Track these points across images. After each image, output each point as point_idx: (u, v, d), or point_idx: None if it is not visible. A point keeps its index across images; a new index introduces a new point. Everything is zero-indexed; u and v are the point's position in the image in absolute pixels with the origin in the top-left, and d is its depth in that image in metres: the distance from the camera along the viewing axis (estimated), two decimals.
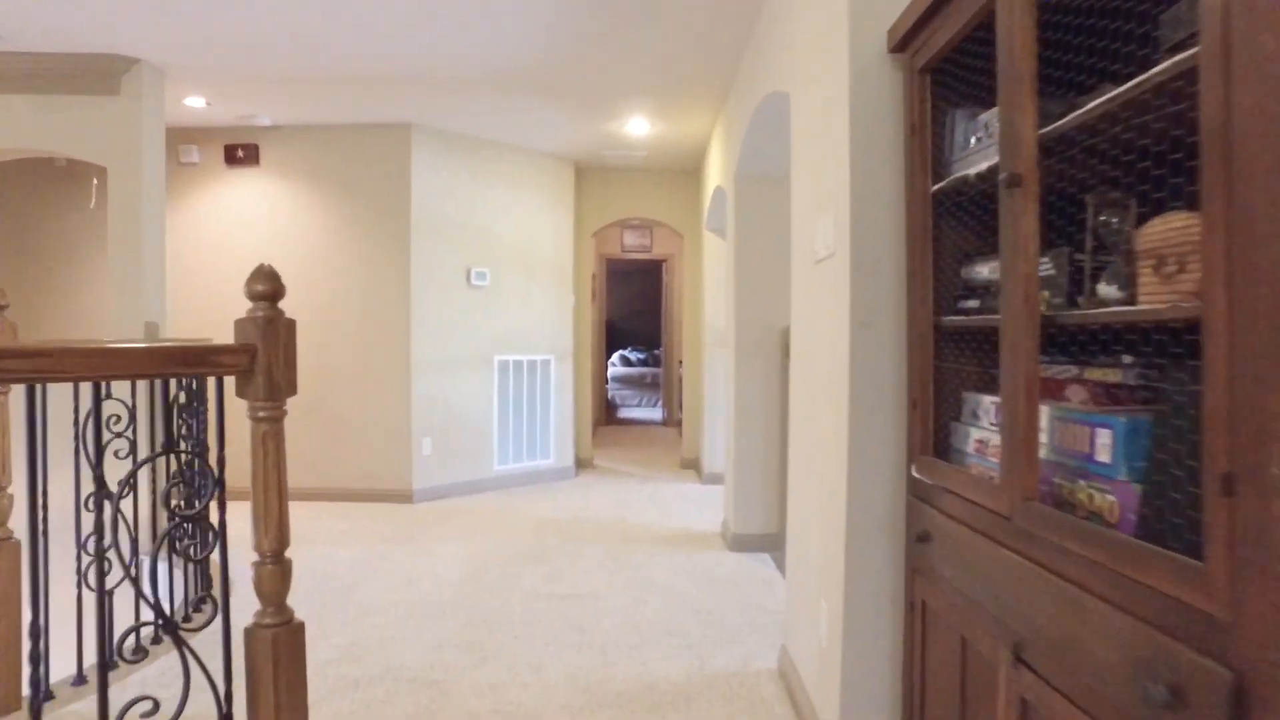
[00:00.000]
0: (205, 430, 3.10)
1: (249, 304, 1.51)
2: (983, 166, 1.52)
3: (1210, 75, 0.86)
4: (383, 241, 5.28)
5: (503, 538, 4.42)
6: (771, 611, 3.27)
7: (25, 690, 2.16)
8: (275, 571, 1.56)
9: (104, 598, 1.56)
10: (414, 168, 5.28)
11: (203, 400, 3.06)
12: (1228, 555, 0.83)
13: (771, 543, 4.21)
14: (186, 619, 3.07)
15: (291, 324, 1.57)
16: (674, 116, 5.07)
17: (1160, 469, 1.09)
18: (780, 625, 3.09)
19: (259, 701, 1.46)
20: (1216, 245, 0.85)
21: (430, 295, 5.39)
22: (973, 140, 1.65)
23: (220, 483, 1.63)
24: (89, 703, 2.36)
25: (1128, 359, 1.24)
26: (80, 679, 2.46)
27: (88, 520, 1.81)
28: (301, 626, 1.55)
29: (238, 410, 1.50)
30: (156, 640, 2.76)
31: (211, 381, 1.80)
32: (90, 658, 2.25)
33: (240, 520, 2.39)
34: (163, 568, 3.04)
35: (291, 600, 1.57)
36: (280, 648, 1.51)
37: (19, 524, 2.22)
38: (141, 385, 3.16)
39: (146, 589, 1.71)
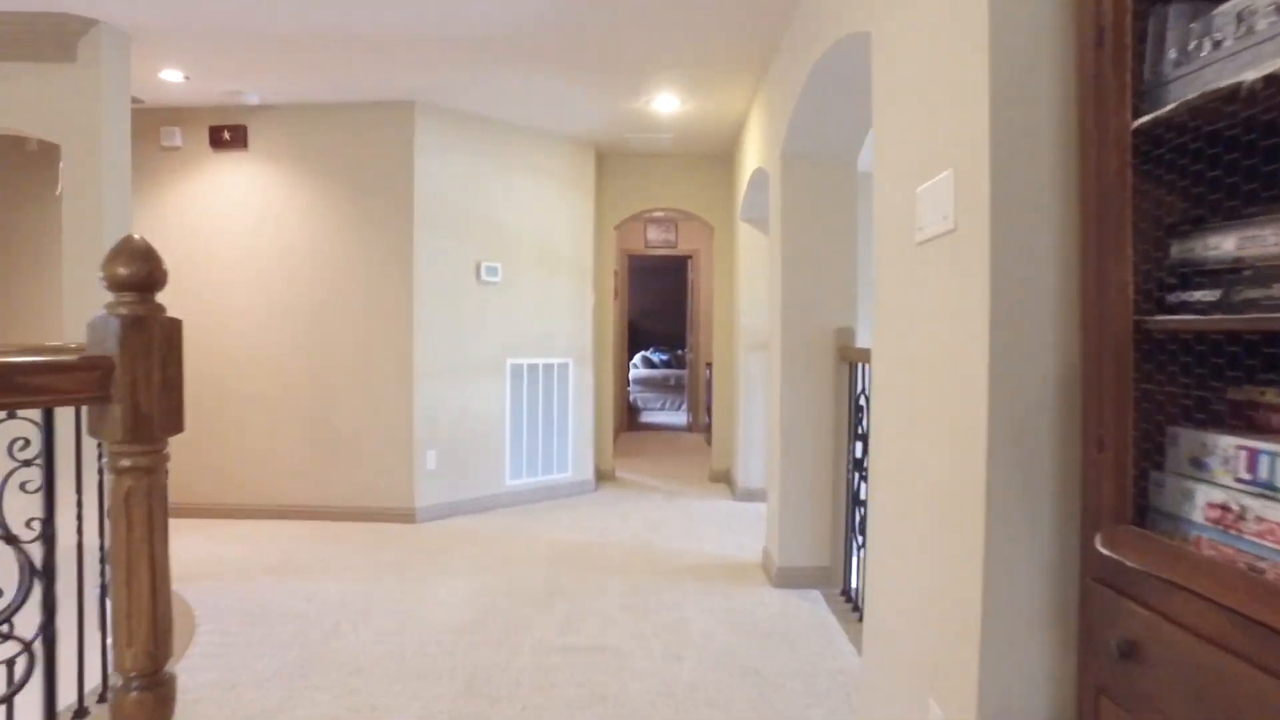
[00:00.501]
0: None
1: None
2: (1248, 77, 0.95)
3: None
4: (383, 233, 4.76)
5: (512, 570, 3.88)
6: (836, 674, 2.70)
7: None
8: (145, 703, 1.02)
9: None
10: (418, 151, 4.75)
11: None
12: None
13: (823, 578, 3.64)
14: None
15: (174, 326, 1.04)
16: (706, 92, 4.50)
17: None
18: (854, 707, 2.52)
19: None
20: None
21: (435, 292, 4.87)
22: (1206, 46, 1.08)
23: (45, 573, 1.08)
24: None
25: None
26: None
27: None
28: None
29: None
30: None
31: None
32: None
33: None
34: None
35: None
36: None
37: None
38: None
39: None
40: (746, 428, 5.50)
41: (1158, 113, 1.11)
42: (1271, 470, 1.00)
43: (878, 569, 2.05)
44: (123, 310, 1.00)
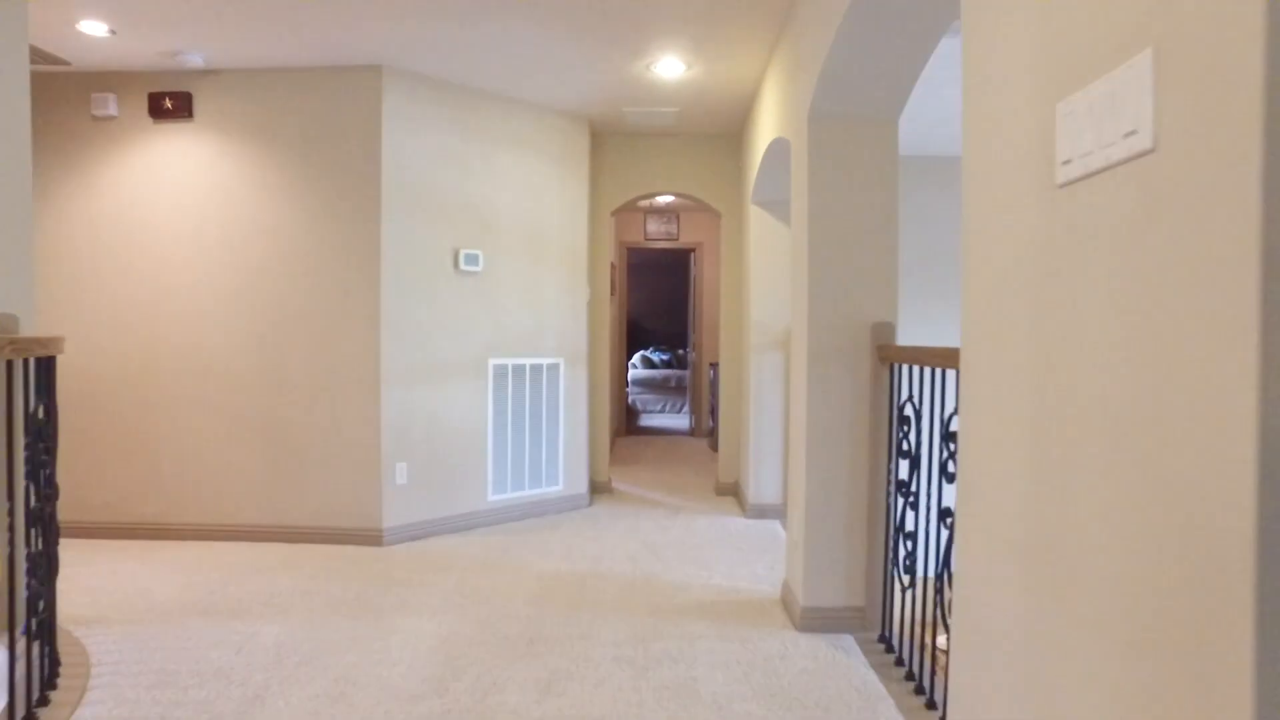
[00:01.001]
0: None
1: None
2: None
3: None
4: (347, 215, 4.17)
5: (489, 607, 3.29)
6: None
7: None
8: None
9: None
10: (386, 122, 4.17)
11: None
12: None
13: (856, 621, 3.05)
14: None
15: None
16: (716, 53, 3.92)
17: None
18: None
19: None
20: None
21: (407, 284, 4.28)
22: None
23: None
24: None
25: None
26: None
27: None
28: None
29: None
30: None
31: None
32: None
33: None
34: None
35: None
36: None
37: None
38: None
39: None
40: (758, 437, 4.91)
41: None
42: None
43: (969, 642, 1.46)
44: None
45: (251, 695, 2.45)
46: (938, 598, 2.86)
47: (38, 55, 3.86)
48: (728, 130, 5.44)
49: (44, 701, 2.29)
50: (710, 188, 5.59)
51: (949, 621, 2.73)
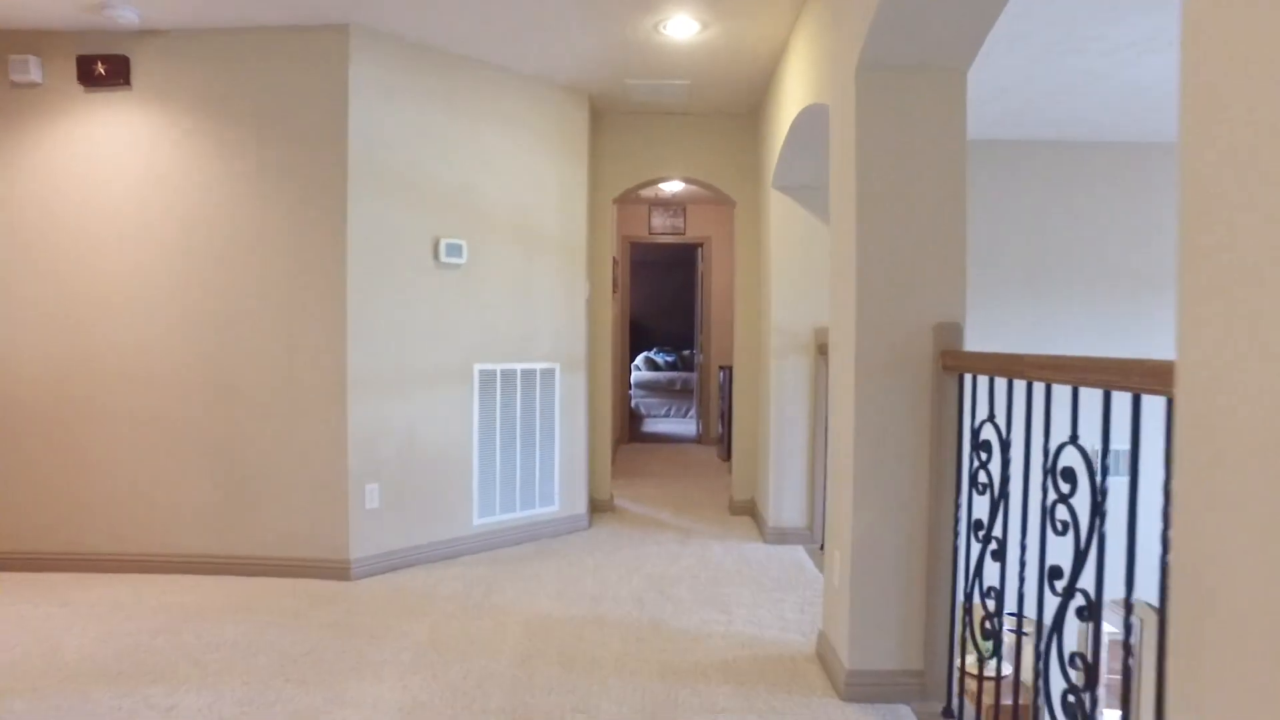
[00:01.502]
0: None
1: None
2: None
3: None
4: (308, 198, 3.61)
5: (465, 666, 2.73)
6: None
7: None
8: None
9: None
10: (354, 91, 3.60)
11: None
12: None
13: (914, 688, 2.49)
14: None
15: None
16: (736, 8, 3.35)
17: None
18: None
19: None
20: None
21: (378, 277, 3.72)
22: None
23: None
24: None
25: None
26: None
27: None
28: None
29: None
30: None
31: None
32: None
33: None
34: None
35: None
36: None
37: None
38: None
39: None
40: (779, 452, 4.34)
41: None
42: None
43: None
44: None
45: None
46: (966, 618, 2.30)
47: None
48: (744, 108, 4.87)
49: None
50: (724, 173, 5.03)
51: (978, 641, 2.18)
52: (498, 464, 4.21)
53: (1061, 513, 1.72)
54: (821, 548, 4.23)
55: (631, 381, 10.64)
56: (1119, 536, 1.52)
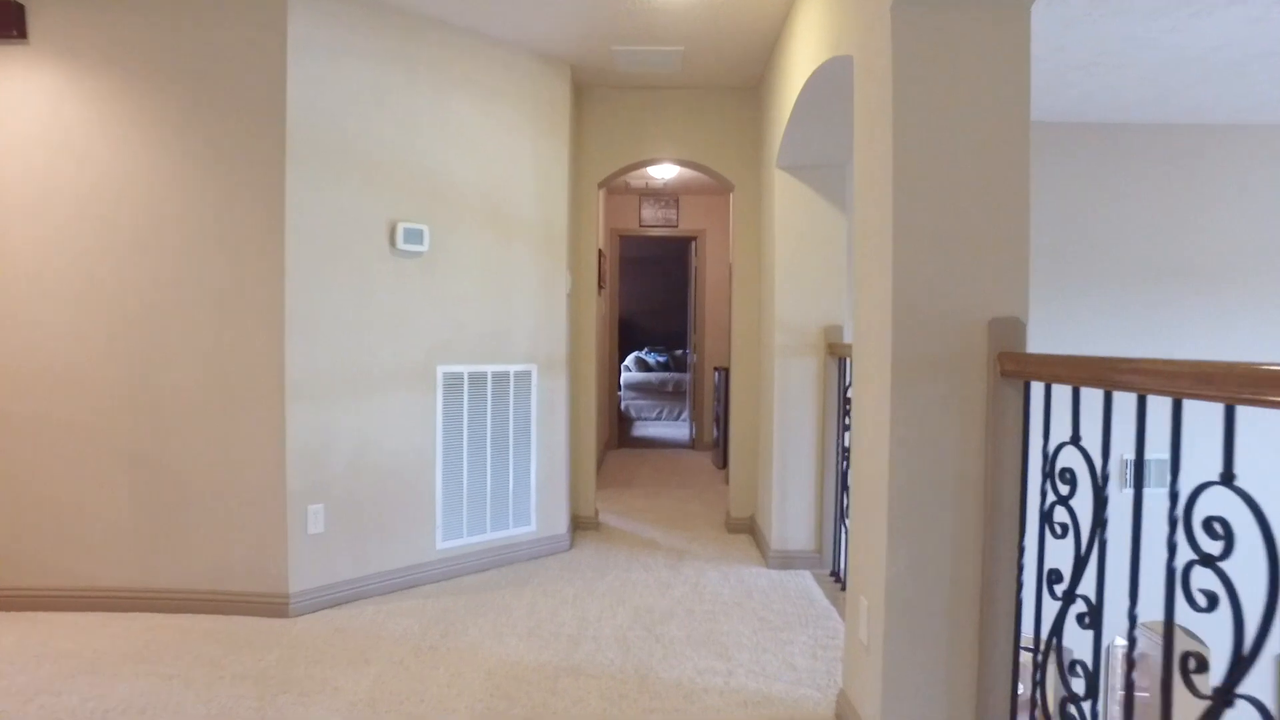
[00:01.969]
0: None
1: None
2: None
3: None
4: (240, 174, 3.10)
5: None
6: None
7: None
8: None
9: None
10: (293, 52, 3.10)
11: None
12: None
13: None
14: None
15: None
16: None
17: None
18: None
19: None
20: None
21: (324, 266, 3.21)
22: None
23: None
24: None
25: None
26: None
27: None
28: None
29: None
30: None
31: None
32: None
33: None
34: None
35: None
36: None
37: None
38: None
39: None
40: (783, 466, 3.86)
41: None
42: None
43: None
44: None
45: None
46: (1038, 694, 1.82)
47: None
48: (744, 79, 4.38)
49: None
50: (721, 154, 4.54)
51: None
52: (465, 479, 3.71)
53: (1203, 578, 1.23)
54: (833, 574, 3.74)
55: (621, 383, 10.15)
56: None
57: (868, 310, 2.18)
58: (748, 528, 4.55)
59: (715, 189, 7.58)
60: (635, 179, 7.09)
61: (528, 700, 2.45)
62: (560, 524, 4.13)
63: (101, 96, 3.10)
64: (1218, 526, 1.21)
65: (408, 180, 3.47)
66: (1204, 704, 1.22)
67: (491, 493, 3.82)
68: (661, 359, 11.48)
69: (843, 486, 3.61)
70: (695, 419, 8.10)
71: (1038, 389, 1.94)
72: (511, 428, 3.88)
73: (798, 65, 3.25)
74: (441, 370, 3.60)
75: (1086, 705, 1.60)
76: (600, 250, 6.31)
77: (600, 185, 4.59)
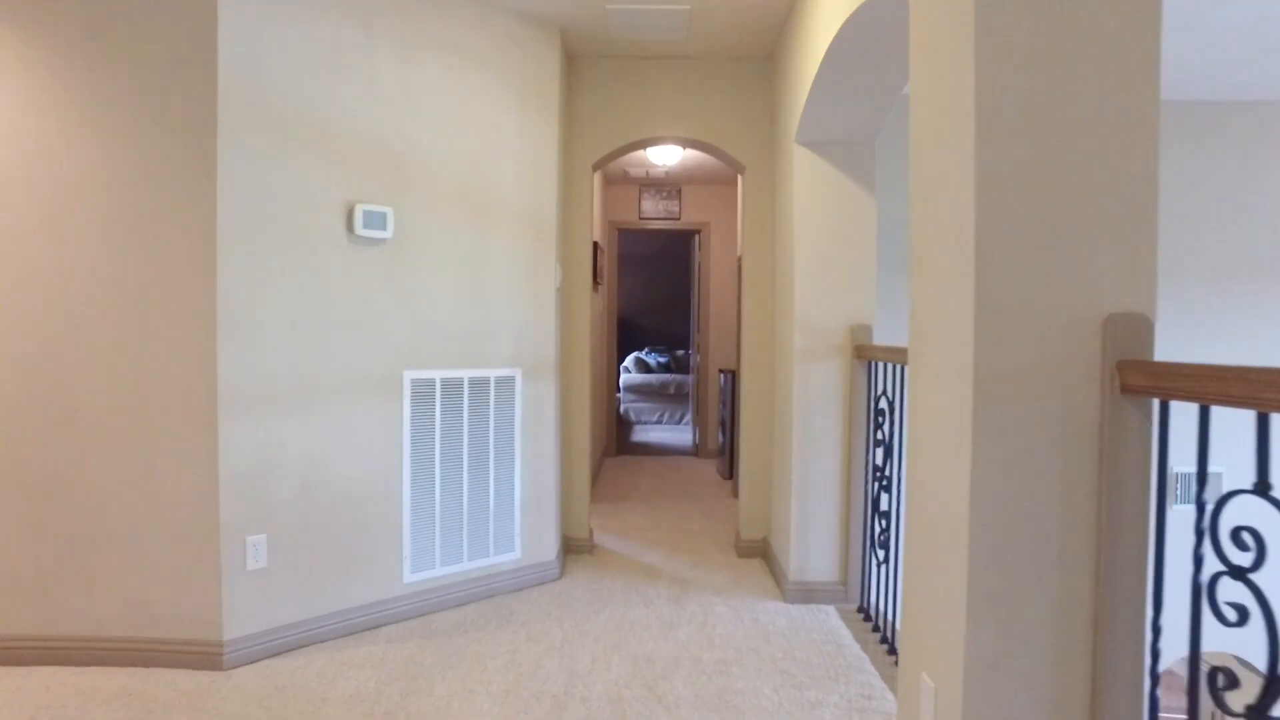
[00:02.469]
0: None
1: None
2: None
3: None
4: (162, 146, 2.61)
5: None
6: None
7: None
8: None
9: None
10: (224, 2, 2.62)
11: None
12: None
13: None
14: None
15: None
16: None
17: None
18: None
19: None
20: None
21: (265, 255, 2.72)
22: None
23: None
24: None
25: None
26: None
27: None
28: None
29: None
30: None
31: None
32: None
33: None
34: None
35: None
36: None
37: None
38: None
39: None
40: (804, 483, 3.37)
41: None
42: None
43: None
44: None
45: None
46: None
47: None
48: (756, 48, 3.89)
49: None
50: (730, 132, 4.04)
51: None
52: (437, 501, 3.22)
53: None
54: (861, 611, 3.25)
55: (620, 384, 9.66)
56: None
57: (928, 308, 1.68)
58: (760, 551, 4.06)
59: (720, 178, 7.09)
60: (634, 167, 6.60)
61: None
62: (549, 549, 3.64)
63: None
64: None
65: (369, 156, 2.98)
66: None
67: (469, 516, 3.33)
68: (662, 360, 10.99)
69: (874, 510, 3.12)
70: (698, 424, 7.61)
71: (1182, 413, 1.44)
72: (492, 441, 3.39)
73: (823, 20, 2.75)
74: (409, 376, 3.11)
75: None
76: (596, 243, 5.82)
77: (595, 167, 4.10)
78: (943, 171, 1.62)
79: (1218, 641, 3.53)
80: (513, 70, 3.43)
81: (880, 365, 3.11)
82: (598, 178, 6.11)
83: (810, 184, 3.37)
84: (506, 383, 3.43)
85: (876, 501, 3.10)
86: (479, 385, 3.34)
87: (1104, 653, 1.44)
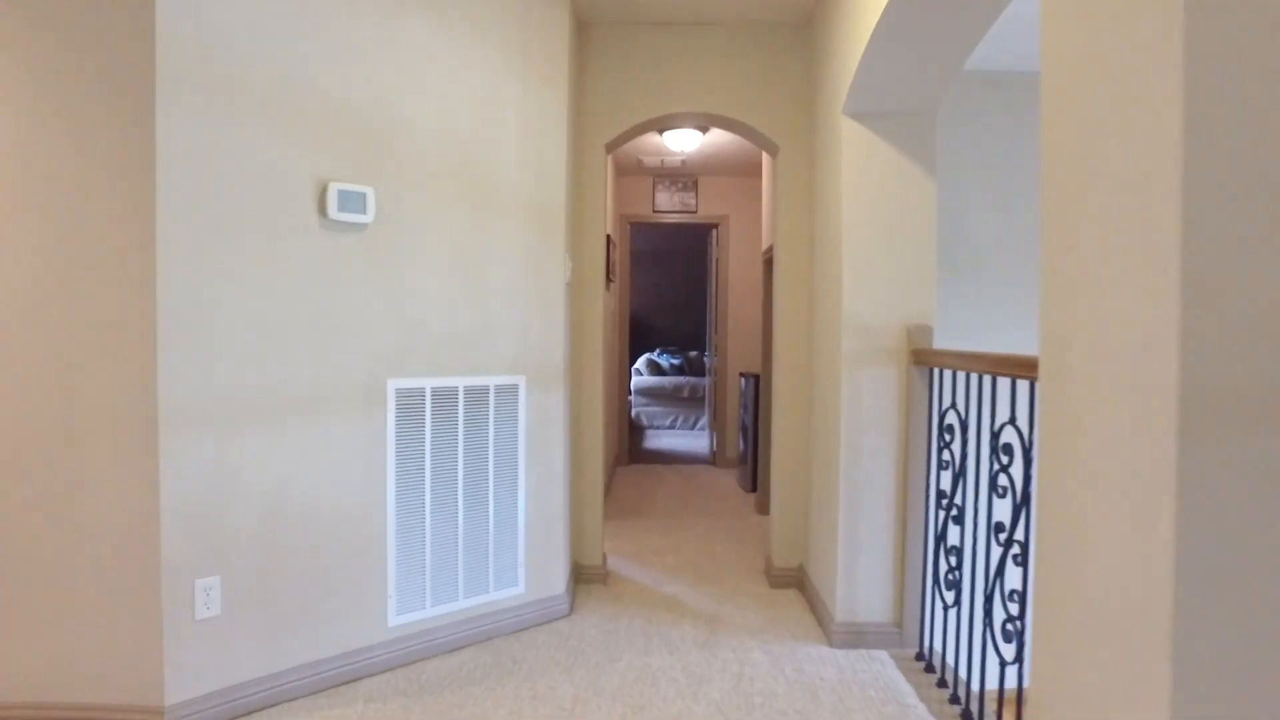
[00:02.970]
0: None
1: None
2: None
3: None
4: (87, 111, 2.16)
5: None
6: None
7: None
8: None
9: None
10: None
11: None
12: None
13: None
14: None
15: None
16: None
17: None
18: None
19: None
20: None
21: (218, 243, 2.27)
22: None
23: None
24: None
25: None
26: None
27: None
28: None
29: None
30: None
31: None
32: None
33: None
34: None
35: None
36: None
37: None
38: None
39: None
40: (854, 508, 2.90)
41: None
42: None
43: None
44: None
45: None
46: None
47: None
48: (791, 13, 3.43)
49: None
50: (761, 107, 3.58)
51: None
52: (427, 530, 2.77)
53: None
54: (920, 659, 2.78)
55: (631, 387, 9.20)
56: None
57: (1091, 297, 1.21)
58: (795, 580, 3.59)
59: (740, 169, 6.62)
60: (649, 156, 6.14)
61: None
62: (557, 581, 3.18)
63: None
64: None
65: (345, 126, 2.53)
66: None
67: (464, 546, 2.87)
68: (675, 361, 10.52)
69: (939, 543, 2.66)
70: (717, 430, 7.14)
71: None
72: (492, 459, 2.94)
73: None
74: (394, 386, 2.66)
75: None
76: (609, 236, 5.37)
77: (609, 149, 3.64)
78: (1119, 115, 1.14)
79: None
80: (515, 33, 2.97)
81: (945, 374, 2.64)
82: (609, 166, 5.65)
83: (860, 162, 2.90)
84: (508, 391, 2.97)
85: (943, 534, 2.63)
86: (476, 395, 2.88)
87: None
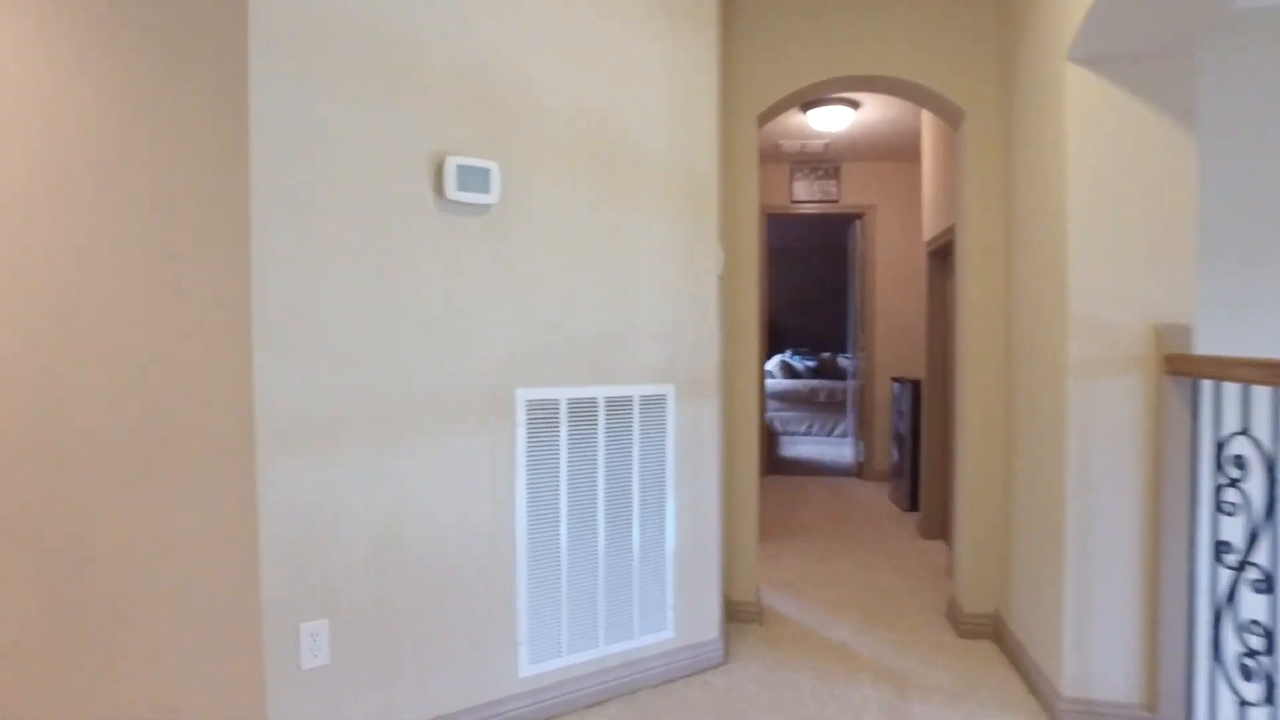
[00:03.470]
0: None
1: None
2: None
3: None
4: (176, 91, 1.87)
5: None
6: None
7: None
8: None
9: None
10: None
11: None
12: None
13: None
14: None
15: None
16: None
17: None
18: None
19: None
20: None
21: (319, 229, 1.94)
22: None
23: None
24: None
25: None
26: None
27: None
28: None
29: None
30: None
31: None
32: None
33: None
34: None
35: None
36: None
37: None
38: None
39: None
40: (1085, 553, 2.28)
41: None
42: None
43: None
44: None
45: None
46: None
47: None
48: None
49: None
50: (942, 67, 3.00)
51: None
52: (563, 566, 2.36)
53: None
54: None
55: (764, 391, 8.64)
56: None
57: None
58: (990, 630, 2.98)
59: (888, 153, 5.97)
60: (789, 139, 5.60)
61: None
62: (710, 624, 2.71)
63: None
64: None
65: (465, 91, 2.16)
66: None
67: (606, 584, 2.45)
68: (810, 363, 9.88)
69: (1229, 612, 2.02)
70: (863, 439, 6.49)
71: None
72: (636, 481, 2.51)
73: None
74: (523, 396, 2.27)
75: None
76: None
77: (761, 120, 3.16)
78: None
79: None
80: None
81: (1225, 388, 2.01)
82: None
83: (1092, 119, 2.28)
84: (655, 402, 2.53)
85: (1231, 598, 1.99)
86: (619, 407, 2.45)
87: None
